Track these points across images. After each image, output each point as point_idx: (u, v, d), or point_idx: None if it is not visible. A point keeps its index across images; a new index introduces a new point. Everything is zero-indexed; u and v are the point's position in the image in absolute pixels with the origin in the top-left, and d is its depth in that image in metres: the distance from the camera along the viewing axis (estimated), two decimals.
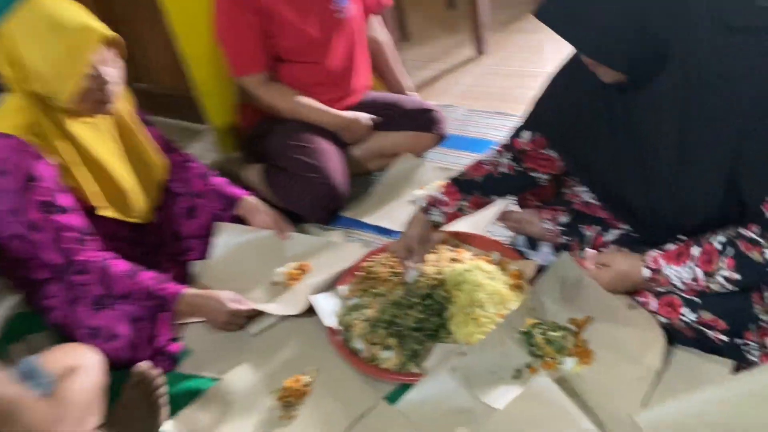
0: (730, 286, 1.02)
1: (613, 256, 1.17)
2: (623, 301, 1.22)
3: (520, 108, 1.99)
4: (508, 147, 1.34)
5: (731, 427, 0.93)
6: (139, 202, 1.51)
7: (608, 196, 1.28)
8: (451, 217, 1.38)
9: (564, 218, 1.44)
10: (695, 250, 1.05)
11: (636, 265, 1.12)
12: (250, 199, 1.66)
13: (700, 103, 0.97)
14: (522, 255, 1.48)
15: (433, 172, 1.88)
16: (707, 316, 1.08)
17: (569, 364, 1.20)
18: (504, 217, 1.55)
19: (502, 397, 1.15)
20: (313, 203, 1.73)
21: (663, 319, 1.16)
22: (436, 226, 1.39)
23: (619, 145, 1.15)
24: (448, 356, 1.23)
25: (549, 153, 1.30)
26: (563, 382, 1.14)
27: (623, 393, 1.12)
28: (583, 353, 1.20)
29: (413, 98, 1.99)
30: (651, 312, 1.17)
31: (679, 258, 1.07)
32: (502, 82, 2.48)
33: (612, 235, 1.33)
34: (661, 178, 1.08)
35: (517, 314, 1.26)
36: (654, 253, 1.11)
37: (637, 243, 1.24)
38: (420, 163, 1.94)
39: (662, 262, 1.09)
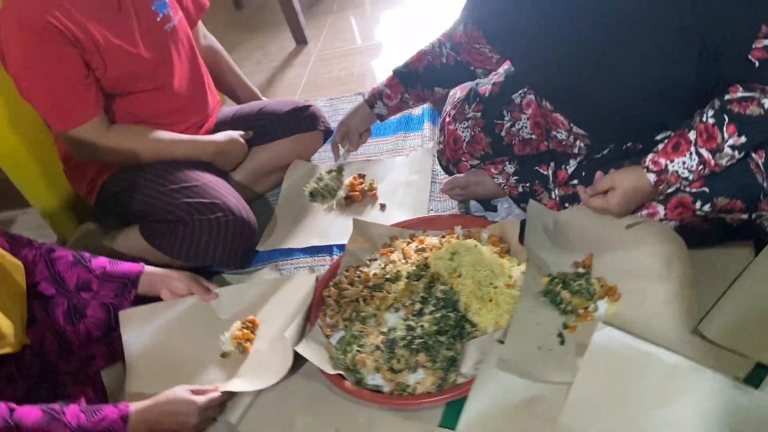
0: (738, 154, 0.99)
1: (611, 177, 1.09)
2: (618, 224, 1.15)
3: (371, 83, 1.89)
4: (448, 36, 1.29)
5: None
6: (3, 327, 1.10)
7: (559, 94, 1.20)
8: (394, 110, 1.37)
9: (511, 167, 1.35)
10: (691, 135, 1.00)
11: (639, 176, 1.05)
12: (150, 270, 1.32)
13: None
14: (486, 220, 1.36)
15: (336, 174, 1.68)
16: (722, 201, 1.06)
17: (602, 307, 1.11)
18: (448, 187, 1.42)
19: (564, 368, 1.02)
20: (225, 247, 1.42)
21: (674, 223, 1.11)
22: (381, 118, 1.39)
23: (560, 32, 1.05)
24: (485, 351, 1.06)
25: (483, 49, 1.25)
26: (605, 333, 1.04)
27: (669, 314, 1.06)
28: (609, 291, 1.12)
29: (280, 100, 1.75)
30: (661, 220, 1.12)
31: (678, 149, 1.02)
32: (338, 64, 2.34)
33: (572, 165, 1.26)
34: (625, 50, 1.00)
35: (529, 278, 1.14)
36: (649, 156, 1.05)
37: (604, 162, 1.19)
38: (315, 167, 1.72)
39: (663, 160, 1.03)
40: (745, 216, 1.07)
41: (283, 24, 2.58)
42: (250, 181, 1.69)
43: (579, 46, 1.04)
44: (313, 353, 1.14)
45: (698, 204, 1.08)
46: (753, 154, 1.04)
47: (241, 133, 1.62)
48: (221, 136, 1.59)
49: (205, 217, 1.39)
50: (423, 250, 1.28)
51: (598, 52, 1.03)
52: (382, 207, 1.53)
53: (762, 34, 0.89)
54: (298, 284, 1.34)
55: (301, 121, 1.69)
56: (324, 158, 1.77)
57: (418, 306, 1.13)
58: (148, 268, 1.31)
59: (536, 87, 1.26)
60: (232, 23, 2.98)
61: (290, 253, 1.50)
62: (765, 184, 1.05)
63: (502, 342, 1.06)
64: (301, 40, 2.55)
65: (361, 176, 1.61)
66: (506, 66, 1.34)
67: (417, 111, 1.80)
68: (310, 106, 1.70)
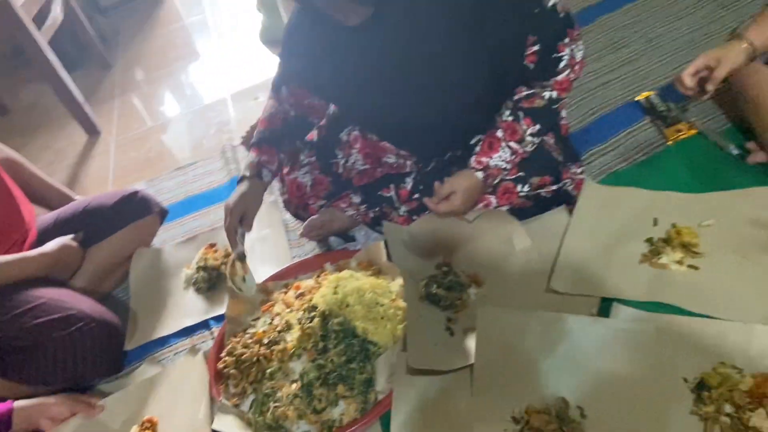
0: (537, 139, 1.22)
1: (449, 184, 1.26)
2: (462, 223, 1.34)
3: (182, 158, 1.92)
4: (277, 100, 1.38)
5: None
6: None
7: (381, 125, 1.36)
8: (275, 174, 1.37)
9: (357, 197, 1.47)
10: (499, 133, 1.22)
11: (471, 176, 1.24)
12: (21, 404, 1.19)
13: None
14: (350, 251, 1.46)
15: (182, 248, 1.66)
16: (536, 180, 1.29)
17: (473, 294, 1.27)
18: (307, 230, 1.50)
19: (461, 354, 1.16)
20: (95, 356, 1.33)
21: (506, 207, 1.32)
22: (264, 187, 1.36)
23: (373, 71, 1.21)
24: (393, 363, 1.16)
25: (312, 101, 1.37)
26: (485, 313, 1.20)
27: (525, 282, 1.26)
28: (474, 278, 1.29)
29: (102, 194, 1.68)
30: (495, 208, 1.32)
31: (492, 147, 1.22)
32: (141, 146, 2.29)
33: (410, 182, 1.42)
34: (433, 78, 1.18)
35: (408, 287, 1.26)
36: (473, 159, 1.24)
37: (436, 173, 1.37)
38: (159, 251, 1.68)
39: (484, 159, 1.23)
40: (554, 187, 1.31)
41: (64, 118, 2.45)
42: (94, 283, 1.59)
43: (392, 80, 1.19)
44: (232, 425, 1.13)
45: (519, 187, 1.30)
46: (545, 137, 1.28)
47: (72, 236, 1.53)
48: (52, 245, 1.49)
49: (64, 332, 1.30)
50: (303, 294, 1.34)
51: (410, 83, 1.19)
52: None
53: (530, 43, 1.13)
54: (186, 368, 1.31)
55: (133, 208, 1.64)
56: (168, 237, 1.74)
57: (320, 345, 1.18)
58: (18, 403, 1.19)
59: (360, 123, 1.40)
60: (1, 131, 2.74)
61: (164, 341, 1.45)
62: (560, 158, 1.31)
63: (404, 350, 1.16)
64: (92, 131, 2.44)
65: (212, 245, 1.62)
66: (329, 110, 1.47)
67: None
68: (137, 191, 1.66)
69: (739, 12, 1.70)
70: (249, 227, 1.31)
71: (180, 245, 1.66)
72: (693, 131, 1.43)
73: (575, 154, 1.39)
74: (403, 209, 1.42)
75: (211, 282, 1.52)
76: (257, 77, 2.36)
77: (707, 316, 1.10)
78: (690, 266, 1.18)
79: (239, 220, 1.29)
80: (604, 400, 1.03)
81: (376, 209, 1.45)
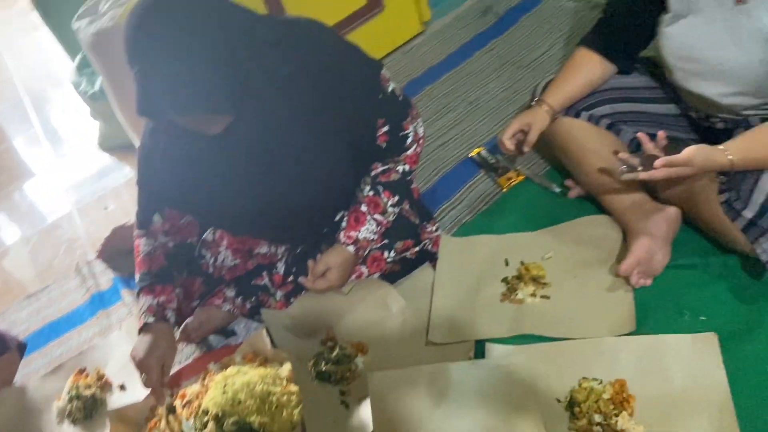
0: (397, 209, 1.34)
1: (324, 261, 1.32)
2: (338, 294, 1.40)
3: (32, 279, 1.82)
4: (150, 234, 1.34)
5: None
6: None
7: (255, 225, 1.40)
8: (178, 312, 1.33)
9: (231, 291, 1.48)
10: (363, 208, 1.31)
11: (342, 251, 1.32)
12: None
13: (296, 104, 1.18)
14: (232, 346, 1.45)
15: (49, 380, 1.54)
16: (399, 245, 1.40)
17: (360, 363, 1.32)
18: (184, 336, 1.47)
19: (358, 424, 1.20)
20: None
21: (377, 275, 1.41)
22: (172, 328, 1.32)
23: (239, 175, 1.25)
24: None
25: (188, 219, 1.37)
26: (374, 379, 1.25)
27: (406, 340, 1.34)
28: (359, 347, 1.35)
29: None
30: (367, 277, 1.40)
31: (359, 221, 1.32)
32: None
33: (281, 267, 1.46)
34: (299, 172, 1.24)
35: (297, 370, 1.28)
36: (342, 234, 1.32)
37: (307, 254, 1.43)
38: (22, 390, 1.54)
39: (353, 233, 1.31)
40: (417, 248, 1.43)
41: None
42: None
43: (258, 180, 1.24)
44: None
45: (386, 254, 1.40)
46: (401, 205, 1.40)
47: None
48: None
49: None
50: (190, 401, 1.31)
51: (276, 180, 1.24)
52: (122, 387, 1.48)
53: (380, 125, 1.25)
54: None
55: None
56: (30, 372, 1.60)
57: None
58: None
59: (231, 227, 1.41)
60: None
61: None
62: (417, 221, 1.43)
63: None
64: None
65: (82, 371, 1.52)
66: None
67: (105, 285, 1.78)
68: None
69: (536, 70, 1.98)
70: (168, 376, 1.28)
71: (46, 377, 1.55)
72: (521, 177, 1.63)
73: (429, 214, 1.52)
74: (279, 294, 1.45)
75: (87, 411, 1.42)
76: (103, 186, 2.29)
77: (565, 338, 1.24)
78: (542, 296, 1.34)
79: (162, 372, 1.25)
80: None
81: (252, 299, 1.47)
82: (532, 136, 1.42)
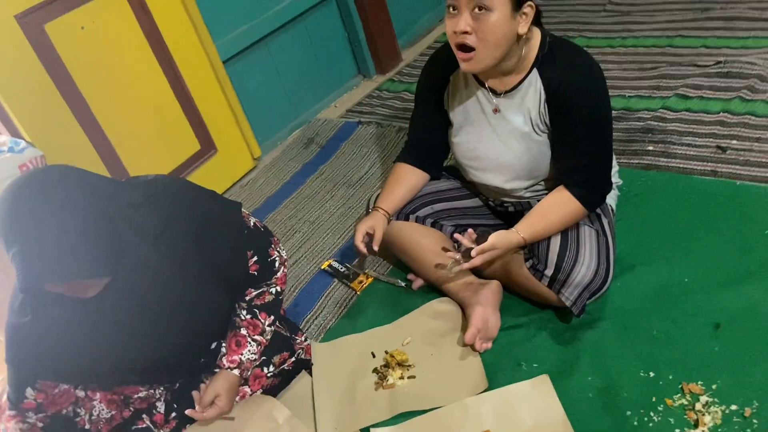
0: (272, 327, 1.48)
1: (211, 389, 1.38)
2: (226, 419, 1.47)
3: None
4: (24, 411, 1.31)
5: None
6: None
7: (136, 377, 1.44)
8: None
9: None
10: (243, 331, 1.43)
11: (227, 376, 1.41)
12: None
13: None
14: None
15: None
16: (277, 358, 1.52)
17: None
18: None
19: None
20: None
21: (260, 391, 1.51)
22: None
23: (118, 333, 1.29)
24: None
25: (62, 387, 1.36)
26: None
27: None
28: None
29: None
30: (251, 395, 1.49)
31: (240, 345, 1.43)
32: None
33: (161, 406, 1.50)
34: (176, 316, 1.33)
35: None
36: (225, 360, 1.42)
37: (182, 391, 1.48)
38: None
39: (236, 357, 1.42)
40: (292, 359, 1.56)
41: None
42: None
43: (137, 334, 1.30)
44: None
45: (266, 369, 1.51)
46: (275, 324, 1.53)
47: None
48: None
49: None
50: None
51: (156, 330, 1.31)
52: None
53: (249, 256, 1.41)
54: None
55: None
56: None
57: None
58: None
59: (111, 383, 1.43)
60: None
61: None
62: (288, 334, 1.58)
63: None
64: None
65: None
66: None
67: None
68: None
69: (364, 186, 2.28)
70: None
71: None
72: (371, 279, 1.86)
73: (296, 326, 1.67)
74: None
75: None
76: None
77: (435, 408, 1.43)
78: (409, 377, 1.53)
79: None
80: None
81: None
82: (378, 236, 1.68)
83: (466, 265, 1.51)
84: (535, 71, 1.49)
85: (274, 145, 2.73)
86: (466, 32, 1.37)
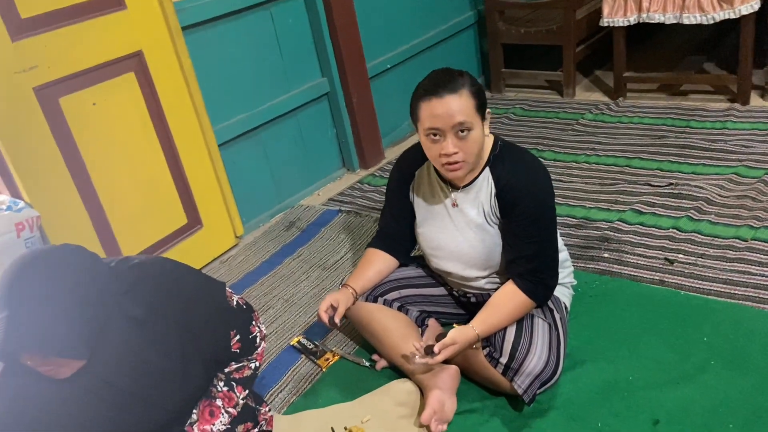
0: (245, 401, 1.55)
1: None
2: None
3: None
4: None
5: None
6: None
7: None
8: None
9: None
10: (218, 402, 1.50)
11: None
12: None
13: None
14: None
15: None
16: (241, 428, 1.57)
17: None
18: None
19: None
20: None
21: None
22: None
23: (90, 415, 1.33)
24: None
25: None
26: None
27: None
28: None
29: None
30: None
31: (213, 415, 1.49)
32: None
33: None
34: (152, 393, 1.37)
35: None
36: (195, 427, 1.47)
37: None
38: None
39: (207, 427, 1.47)
40: (256, 430, 1.61)
41: None
42: None
43: (110, 416, 1.34)
44: None
45: None
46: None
47: None
48: None
49: None
50: None
51: (129, 408, 1.35)
52: None
53: (232, 336, 1.50)
54: None
55: None
56: None
57: None
58: None
59: None
60: None
61: None
62: (253, 404, 1.64)
63: None
64: None
65: None
66: None
67: None
68: None
69: (338, 270, 2.41)
70: None
71: None
72: (337, 357, 1.94)
73: (260, 398, 1.73)
74: None
75: None
76: None
77: None
78: None
79: None
80: None
81: None
82: (341, 310, 1.78)
83: (431, 361, 1.59)
84: (487, 169, 1.67)
85: (257, 225, 2.87)
86: (455, 152, 1.55)
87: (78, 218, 2.13)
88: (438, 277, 1.91)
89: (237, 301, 1.55)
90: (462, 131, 1.54)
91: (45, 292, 1.19)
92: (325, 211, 2.86)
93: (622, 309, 1.93)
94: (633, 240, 2.26)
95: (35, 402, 1.29)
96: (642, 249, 2.21)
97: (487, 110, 1.61)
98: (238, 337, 1.52)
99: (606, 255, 2.21)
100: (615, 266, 2.14)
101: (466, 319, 1.69)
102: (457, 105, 1.51)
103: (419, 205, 1.81)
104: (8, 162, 1.95)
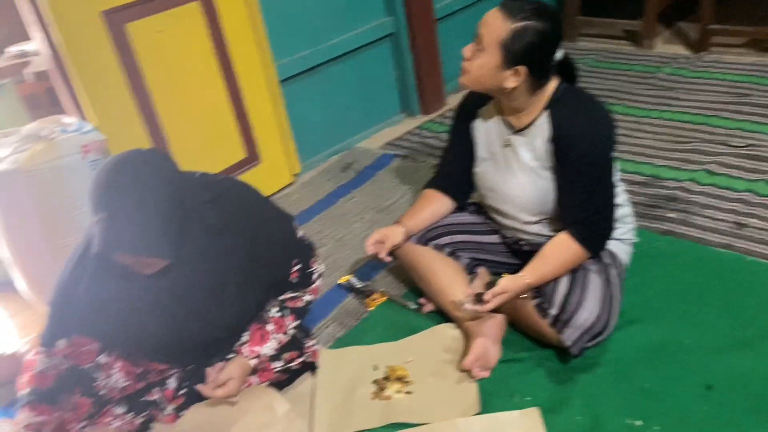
0: (294, 331, 1.59)
1: (227, 372, 1.48)
2: (228, 403, 1.56)
3: None
4: (53, 353, 1.42)
5: None
6: None
7: (163, 357, 1.55)
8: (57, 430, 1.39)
9: (121, 408, 1.57)
10: (269, 327, 1.54)
11: (243, 363, 1.51)
12: None
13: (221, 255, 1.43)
14: None
15: None
16: (287, 356, 1.61)
17: None
18: None
19: None
20: None
21: (266, 383, 1.60)
22: None
23: (163, 311, 1.42)
24: None
25: (89, 348, 1.47)
26: None
27: None
28: None
29: None
30: (257, 385, 1.58)
31: (263, 339, 1.53)
32: None
33: (172, 382, 1.59)
34: (219, 305, 1.45)
35: None
36: (246, 348, 1.52)
37: (194, 372, 1.58)
38: None
39: (257, 349, 1.52)
40: (300, 359, 1.65)
41: None
42: None
43: (179, 314, 1.42)
44: None
45: (274, 364, 1.60)
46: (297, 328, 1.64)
47: None
48: None
49: None
50: None
51: (197, 315, 1.43)
52: None
53: (293, 264, 1.54)
54: None
55: None
56: None
57: None
58: None
59: (141, 357, 1.54)
60: None
61: None
62: (300, 336, 1.67)
63: None
64: None
65: None
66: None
67: None
68: None
69: (392, 213, 2.40)
70: None
71: None
72: (384, 298, 1.95)
73: (308, 331, 1.76)
74: (169, 408, 1.57)
75: None
76: None
77: (426, 423, 1.50)
78: (406, 392, 1.60)
79: None
80: None
81: (143, 414, 1.56)
82: (388, 245, 1.78)
83: (480, 308, 1.57)
84: (545, 113, 1.60)
85: (314, 165, 2.87)
86: (466, 56, 1.56)
87: (141, 145, 2.17)
88: (492, 225, 1.87)
89: (301, 235, 1.59)
90: (478, 44, 1.53)
91: (139, 195, 1.24)
92: (382, 155, 2.84)
93: (682, 271, 1.84)
94: (702, 201, 2.14)
95: (118, 296, 1.39)
96: (711, 211, 2.09)
97: (521, 67, 1.51)
98: (298, 266, 1.56)
99: (672, 215, 2.10)
100: (680, 227, 2.04)
101: (516, 269, 1.65)
102: (495, 23, 1.50)
103: (479, 144, 1.77)
104: (76, 85, 2.00)
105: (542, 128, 1.61)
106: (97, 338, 1.48)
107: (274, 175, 2.66)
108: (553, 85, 1.60)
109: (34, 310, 2.12)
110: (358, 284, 2.02)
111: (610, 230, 1.64)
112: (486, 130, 1.74)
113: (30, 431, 1.34)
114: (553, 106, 1.59)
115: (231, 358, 1.54)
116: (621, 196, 1.70)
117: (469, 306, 1.59)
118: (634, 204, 2.10)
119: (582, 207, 1.59)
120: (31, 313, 2.16)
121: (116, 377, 1.55)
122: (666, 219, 2.09)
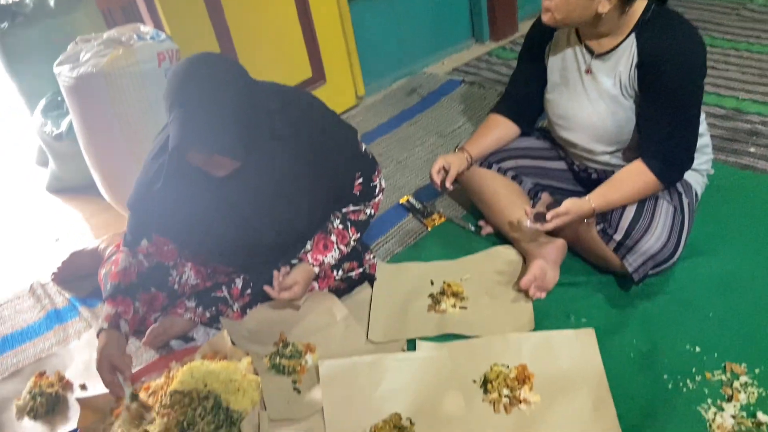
0: (355, 243, 1.63)
1: (293, 276, 1.55)
2: (292, 306, 1.63)
3: None
4: (136, 252, 1.52)
5: None
6: None
7: (233, 260, 1.63)
8: (132, 323, 1.48)
9: (192, 302, 1.67)
10: (333, 237, 1.58)
11: (308, 269, 1.57)
12: None
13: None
14: (194, 347, 1.62)
15: (7, 383, 1.62)
16: (347, 265, 1.67)
17: (309, 359, 1.54)
18: (149, 339, 1.62)
19: (310, 403, 1.41)
20: None
21: (326, 289, 1.66)
22: (127, 336, 1.45)
23: (234, 213, 1.48)
24: (255, 423, 1.36)
25: (171, 247, 1.57)
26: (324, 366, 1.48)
27: (350, 338, 1.58)
28: (308, 347, 1.56)
29: None
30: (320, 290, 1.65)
31: (327, 248, 1.58)
32: None
33: (239, 282, 1.67)
34: (286, 211, 1.50)
35: (256, 362, 1.49)
36: (310, 255, 1.58)
37: (261, 272, 1.65)
38: None
39: (320, 257, 1.57)
40: (359, 270, 1.70)
41: None
42: None
43: (249, 217, 1.48)
44: None
45: (335, 272, 1.66)
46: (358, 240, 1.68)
47: None
48: None
49: None
50: (155, 392, 1.45)
51: (266, 219, 1.48)
52: (83, 387, 1.59)
53: (356, 177, 1.56)
54: None
55: None
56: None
57: (190, 414, 1.32)
58: None
59: (212, 259, 1.63)
60: None
61: None
62: (359, 248, 1.71)
63: (264, 409, 1.37)
64: None
65: (42, 373, 1.62)
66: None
67: (62, 304, 1.89)
68: None
69: (454, 138, 2.38)
70: (125, 376, 1.39)
71: (4, 381, 1.64)
72: (443, 219, 1.96)
73: (367, 246, 1.80)
74: (236, 306, 1.65)
75: (49, 406, 1.53)
76: (53, 223, 2.40)
77: (477, 336, 1.53)
78: (461, 307, 1.63)
79: (113, 371, 1.38)
80: (423, 408, 1.36)
81: (212, 309, 1.66)
82: (452, 173, 1.76)
83: (541, 227, 1.55)
84: (632, 36, 1.51)
85: (379, 88, 2.86)
86: None
87: None
88: (559, 150, 1.82)
89: (365, 149, 1.60)
90: None
91: (214, 94, 1.25)
92: (448, 81, 2.79)
93: (757, 207, 1.76)
94: None
95: (192, 197, 1.44)
96: None
97: None
98: (361, 180, 1.58)
99: (752, 150, 2.00)
100: (760, 162, 1.94)
101: (581, 196, 1.60)
102: None
103: (553, 68, 1.69)
104: None
105: (628, 52, 1.52)
106: (171, 239, 1.56)
107: (338, 96, 2.66)
108: (642, 4, 1.51)
109: (112, 211, 2.24)
110: (418, 205, 2.03)
111: (690, 163, 1.57)
112: (561, 55, 1.67)
113: (109, 321, 1.44)
114: (641, 27, 1.50)
115: (295, 264, 1.60)
116: (702, 124, 1.61)
117: (530, 224, 1.57)
118: (713, 138, 2.01)
119: (664, 138, 1.51)
120: (109, 215, 2.29)
121: (188, 275, 1.65)
122: (746, 153, 1.99)
